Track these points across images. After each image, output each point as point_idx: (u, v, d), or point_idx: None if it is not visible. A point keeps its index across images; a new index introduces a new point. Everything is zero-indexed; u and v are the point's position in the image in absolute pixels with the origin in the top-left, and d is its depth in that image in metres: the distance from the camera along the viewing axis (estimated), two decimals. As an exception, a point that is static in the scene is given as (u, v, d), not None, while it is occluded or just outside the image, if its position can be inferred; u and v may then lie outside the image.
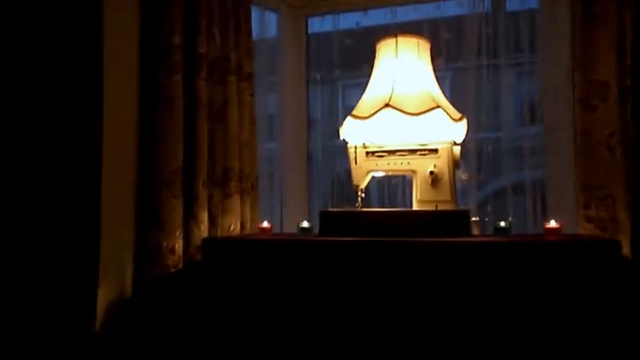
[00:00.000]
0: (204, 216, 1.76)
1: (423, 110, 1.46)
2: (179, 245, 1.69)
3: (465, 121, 1.52)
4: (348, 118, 1.56)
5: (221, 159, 1.84)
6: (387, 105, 1.47)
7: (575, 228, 1.94)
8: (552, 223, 1.45)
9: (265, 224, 1.69)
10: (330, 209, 1.58)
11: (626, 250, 1.49)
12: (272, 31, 2.46)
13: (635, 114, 1.49)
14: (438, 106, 1.47)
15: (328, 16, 2.48)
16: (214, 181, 1.82)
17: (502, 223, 1.49)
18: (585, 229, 1.65)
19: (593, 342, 1.23)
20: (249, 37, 2.01)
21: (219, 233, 1.81)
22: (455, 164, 1.50)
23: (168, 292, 1.62)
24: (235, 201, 1.85)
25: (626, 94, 1.51)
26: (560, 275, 1.27)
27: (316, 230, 1.61)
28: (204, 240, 1.65)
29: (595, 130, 1.65)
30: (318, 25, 2.51)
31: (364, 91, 1.66)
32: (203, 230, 1.76)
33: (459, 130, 1.53)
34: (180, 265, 1.69)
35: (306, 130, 2.46)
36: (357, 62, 2.46)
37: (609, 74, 1.62)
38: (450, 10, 2.41)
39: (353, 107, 1.62)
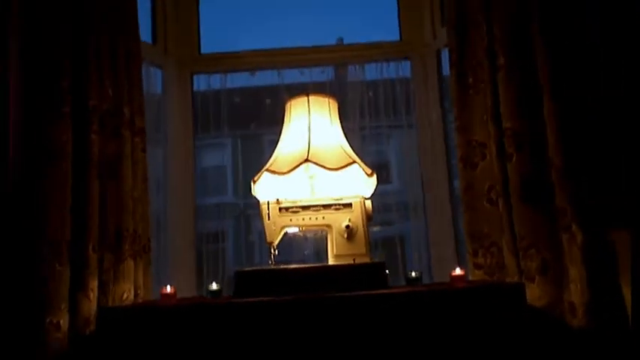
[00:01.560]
0: (94, 284, 1.57)
1: (341, 165, 1.51)
2: (64, 320, 1.48)
3: (374, 177, 1.60)
4: (265, 174, 1.54)
5: (114, 219, 1.68)
6: (306, 160, 1.49)
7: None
8: (458, 271, 1.55)
9: (169, 289, 1.55)
10: (245, 268, 1.51)
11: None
12: (157, 87, 2.37)
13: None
14: (354, 162, 1.53)
15: (215, 75, 2.47)
16: (106, 245, 1.64)
17: (413, 274, 1.56)
18: (475, 275, 1.80)
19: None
20: (140, 91, 1.91)
21: (110, 303, 1.62)
22: (368, 218, 1.55)
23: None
24: (129, 266, 1.68)
25: (504, 152, 1.72)
26: (476, 318, 1.35)
27: (227, 293, 1.52)
28: (101, 309, 1.47)
29: (476, 185, 1.84)
30: (204, 83, 2.49)
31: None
32: (92, 300, 1.56)
33: (370, 185, 1.60)
34: (66, 343, 1.47)
35: (192, 189, 2.36)
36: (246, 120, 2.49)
37: (486, 136, 1.83)
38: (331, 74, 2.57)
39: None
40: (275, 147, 1.69)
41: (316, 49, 2.50)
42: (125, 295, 1.65)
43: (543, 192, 1.60)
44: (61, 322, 1.46)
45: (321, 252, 2.18)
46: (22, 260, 1.43)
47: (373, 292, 1.40)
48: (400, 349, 1.34)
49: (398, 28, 2.51)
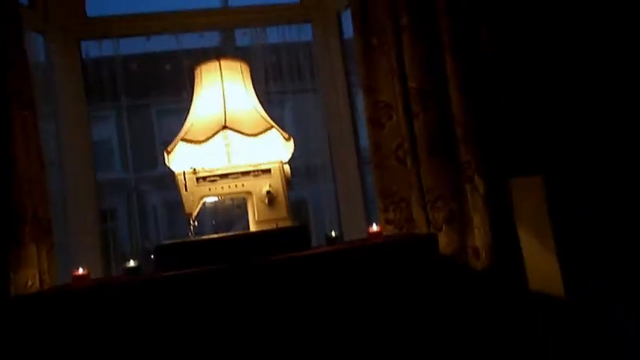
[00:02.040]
0: (-8, 272, 1.43)
1: (259, 131, 1.48)
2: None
3: (292, 141, 1.60)
4: (180, 143, 1.48)
5: (9, 203, 1.52)
6: (224, 127, 1.45)
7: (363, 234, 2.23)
8: (374, 227, 1.62)
9: (81, 271, 1.46)
10: (164, 242, 1.46)
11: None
12: (39, 55, 2.15)
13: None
14: (272, 127, 1.52)
15: (106, 41, 2.29)
16: (3, 230, 1.50)
17: (333, 233, 1.60)
18: (386, 230, 1.89)
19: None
20: (25, 58, 1.73)
21: (12, 292, 1.49)
22: (287, 182, 1.55)
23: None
24: (31, 250, 1.55)
25: (410, 111, 1.79)
26: (395, 269, 1.43)
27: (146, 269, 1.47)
28: (16, 298, 1.35)
29: (384, 145, 1.92)
30: (95, 50, 2.30)
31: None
32: (-8, 290, 1.42)
33: (288, 150, 1.60)
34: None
35: (91, 163, 2.21)
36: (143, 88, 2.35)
37: (392, 96, 1.90)
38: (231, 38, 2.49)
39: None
40: (186, 115, 1.62)
41: (214, 11, 2.42)
42: (30, 283, 1.52)
43: (449, 147, 1.71)
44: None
45: (232, 220, 2.17)
46: None
47: (299, 253, 1.42)
48: (328, 307, 1.39)
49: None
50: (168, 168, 1.57)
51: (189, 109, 1.62)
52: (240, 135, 1.46)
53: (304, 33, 2.49)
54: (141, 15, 2.34)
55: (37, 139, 1.71)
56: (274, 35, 2.44)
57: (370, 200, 2.37)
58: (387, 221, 1.89)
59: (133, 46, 2.38)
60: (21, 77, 1.67)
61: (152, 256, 1.51)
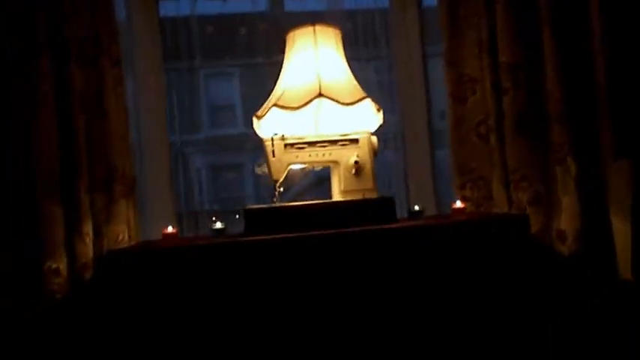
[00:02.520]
0: (88, 227, 1.49)
1: (354, 100, 1.46)
2: (64, 265, 1.40)
3: (381, 112, 1.57)
4: (273, 109, 1.47)
5: (103, 158, 1.57)
6: (320, 94, 1.43)
7: (434, 209, 2.20)
8: (458, 204, 1.60)
9: (170, 229, 1.50)
10: (253, 206, 1.47)
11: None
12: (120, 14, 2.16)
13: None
14: (366, 97, 1.50)
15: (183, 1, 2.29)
16: (97, 185, 1.54)
17: (416, 207, 1.59)
18: (463, 207, 1.86)
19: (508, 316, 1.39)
20: (113, 16, 1.73)
21: (105, 246, 1.54)
22: (374, 153, 1.54)
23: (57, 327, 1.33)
24: (122, 206, 1.60)
25: (498, 87, 1.74)
26: (483, 249, 1.41)
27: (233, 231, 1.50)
28: (108, 253, 1.39)
29: (466, 120, 1.87)
30: (173, 8, 2.30)
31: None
32: (88, 244, 1.48)
33: (378, 121, 1.57)
34: (67, 289, 1.40)
35: (164, 124, 2.23)
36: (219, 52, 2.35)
37: (477, 70, 1.84)
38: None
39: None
40: (276, 80, 1.61)
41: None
42: (120, 237, 1.58)
43: (539, 126, 1.65)
44: (61, 267, 1.38)
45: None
46: (16, 203, 1.31)
47: (388, 226, 1.41)
48: (411, 283, 1.39)
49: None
50: (254, 132, 1.57)
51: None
52: (334, 103, 1.44)
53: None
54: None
55: (123, 96, 1.73)
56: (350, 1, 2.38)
57: (440, 175, 2.34)
58: (464, 198, 1.86)
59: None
60: (111, 36, 1.69)
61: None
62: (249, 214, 1.44)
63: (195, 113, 2.54)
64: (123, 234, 1.59)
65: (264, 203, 1.63)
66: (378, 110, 1.55)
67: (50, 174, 1.38)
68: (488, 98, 1.78)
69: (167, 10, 2.28)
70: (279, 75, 1.62)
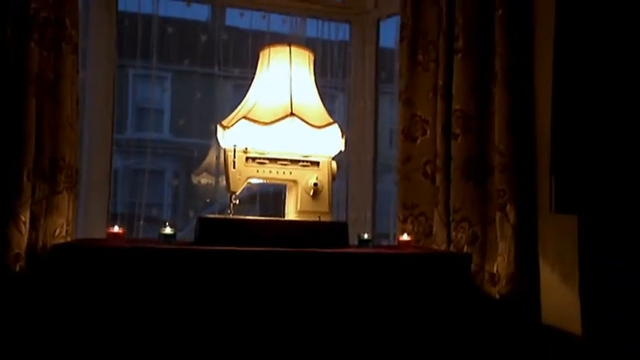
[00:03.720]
0: (26, 215, 1.39)
1: (323, 124, 1.49)
2: (-7, 253, 1.29)
3: (344, 139, 1.61)
4: (242, 121, 1.46)
5: (50, 146, 1.48)
6: (292, 114, 1.45)
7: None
8: (405, 237, 1.66)
9: (117, 229, 1.43)
10: (208, 215, 1.44)
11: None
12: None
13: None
14: (334, 122, 1.53)
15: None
16: (39, 173, 1.45)
17: (365, 236, 1.63)
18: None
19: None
20: (76, 5, 1.67)
21: (41, 238, 1.44)
22: (332, 178, 1.57)
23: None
24: (64, 199, 1.51)
25: (449, 131, 1.85)
26: (424, 283, 1.47)
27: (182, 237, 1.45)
28: (56, 247, 1.30)
29: (414, 158, 1.96)
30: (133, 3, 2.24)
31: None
32: (24, 234, 1.38)
33: (340, 146, 1.61)
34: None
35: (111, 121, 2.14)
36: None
37: (429, 113, 1.95)
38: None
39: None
40: (246, 92, 1.61)
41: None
42: (58, 232, 1.48)
43: (483, 172, 1.77)
44: (-11, 255, 1.27)
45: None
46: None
47: (340, 250, 1.44)
48: (353, 307, 1.42)
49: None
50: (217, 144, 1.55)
51: (250, 87, 1.59)
52: (304, 124, 1.46)
53: (342, 32, 2.50)
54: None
55: (76, 84, 1.65)
56: (312, 28, 2.45)
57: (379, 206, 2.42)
58: (404, 232, 1.94)
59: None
60: (73, 21, 1.62)
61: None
62: (202, 223, 1.41)
63: (121, 113, 2.46)
64: (61, 228, 1.49)
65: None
66: (342, 136, 1.59)
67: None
68: (437, 140, 1.89)
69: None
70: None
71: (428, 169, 1.95)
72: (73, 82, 1.59)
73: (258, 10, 2.39)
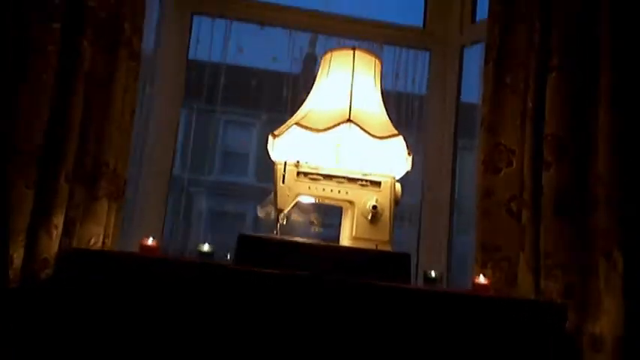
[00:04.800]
0: (59, 220, 1.28)
1: (385, 135, 1.30)
2: (18, 255, 1.19)
3: (411, 158, 1.40)
4: (293, 128, 1.31)
5: (94, 149, 1.39)
6: (349, 120, 1.28)
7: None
8: (481, 279, 1.39)
9: (150, 241, 1.29)
10: (250, 233, 1.28)
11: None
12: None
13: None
14: (399, 134, 1.34)
15: (219, 21, 2.20)
16: (80, 176, 1.36)
17: (432, 273, 1.38)
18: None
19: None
20: (143, 10, 1.63)
21: (74, 245, 1.34)
22: (395, 202, 1.35)
23: None
24: (102, 206, 1.40)
25: (539, 161, 1.57)
26: (498, 337, 1.19)
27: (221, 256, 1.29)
28: (76, 251, 1.19)
29: (496, 192, 1.69)
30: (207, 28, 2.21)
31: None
32: (54, 239, 1.27)
33: (405, 167, 1.40)
34: (16, 283, 1.19)
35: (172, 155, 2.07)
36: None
37: (515, 141, 1.69)
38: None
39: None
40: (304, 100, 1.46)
41: (333, 16, 2.29)
42: (93, 241, 1.37)
43: (582, 207, 1.47)
44: (15, 256, 1.17)
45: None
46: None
47: (394, 284, 1.20)
48: (413, 351, 1.16)
49: (423, 14, 2.34)
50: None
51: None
52: (363, 133, 1.28)
53: (421, 61, 2.32)
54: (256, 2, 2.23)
55: (134, 91, 1.58)
56: (390, 55, 2.29)
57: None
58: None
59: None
60: (136, 29, 1.57)
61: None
62: (243, 241, 1.23)
63: (208, 155, 2.44)
64: (97, 238, 1.38)
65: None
66: (409, 154, 1.38)
67: (30, 148, 1.20)
68: (525, 170, 1.62)
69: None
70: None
71: (513, 205, 1.67)
72: (129, 89, 1.52)
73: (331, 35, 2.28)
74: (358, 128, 1.28)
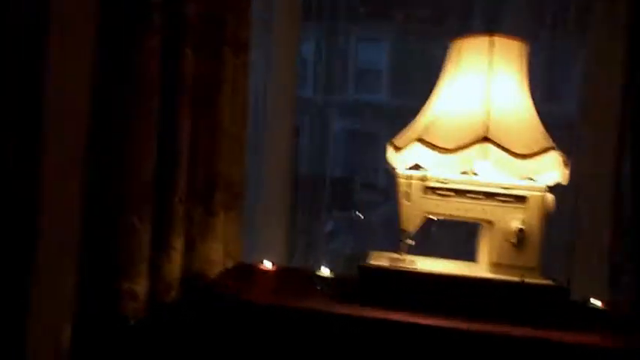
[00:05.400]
0: (178, 242, 1.26)
1: (533, 151, 1.06)
2: (142, 286, 1.19)
3: (569, 167, 1.13)
4: (415, 144, 1.11)
5: (205, 162, 1.33)
6: (485, 139, 1.05)
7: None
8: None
9: (268, 264, 1.23)
10: (372, 263, 1.15)
11: None
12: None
13: None
14: (552, 148, 1.08)
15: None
16: (194, 194, 1.31)
17: (593, 301, 1.14)
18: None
19: None
20: (246, -5, 1.47)
21: (196, 265, 1.32)
22: (546, 219, 1.11)
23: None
24: (219, 221, 1.36)
25: None
26: None
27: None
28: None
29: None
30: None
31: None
32: (175, 262, 1.26)
33: (561, 177, 1.14)
34: (143, 313, 1.20)
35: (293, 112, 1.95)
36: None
37: None
38: None
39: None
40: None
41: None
42: (213, 257, 1.34)
43: None
44: (138, 288, 1.17)
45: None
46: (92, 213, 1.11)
47: (552, 332, 1.00)
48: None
49: None
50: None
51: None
52: (503, 153, 1.04)
53: None
54: None
55: (245, 90, 1.48)
56: None
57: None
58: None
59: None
60: (241, 17, 1.43)
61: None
62: (365, 274, 1.11)
63: (341, 74, 2.30)
64: (217, 253, 1.35)
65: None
66: (566, 165, 1.11)
67: (144, 182, 1.16)
68: None
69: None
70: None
71: None
72: (236, 88, 1.41)
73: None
74: (497, 147, 1.04)
